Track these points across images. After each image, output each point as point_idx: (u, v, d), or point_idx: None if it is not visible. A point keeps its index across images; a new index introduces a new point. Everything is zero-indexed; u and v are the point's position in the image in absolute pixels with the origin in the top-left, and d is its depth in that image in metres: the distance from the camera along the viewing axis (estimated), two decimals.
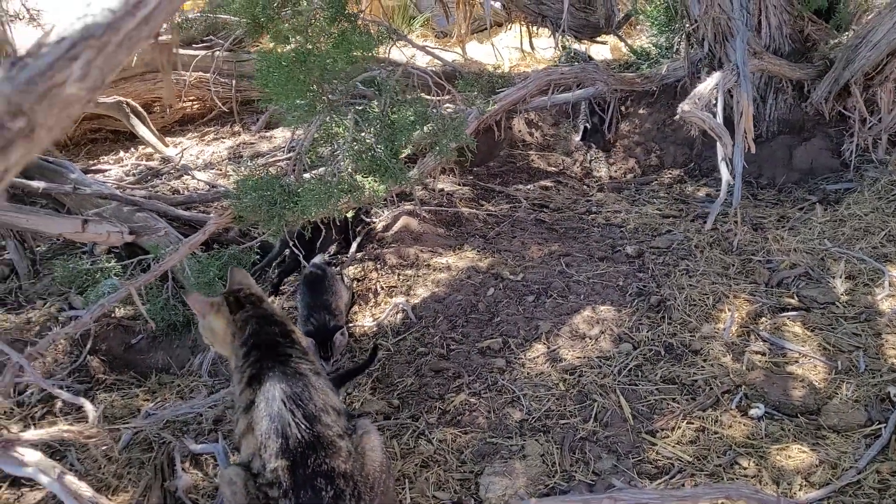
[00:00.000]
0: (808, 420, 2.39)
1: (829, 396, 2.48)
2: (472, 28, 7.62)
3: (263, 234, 3.55)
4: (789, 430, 2.35)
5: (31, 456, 2.40)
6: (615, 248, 3.63)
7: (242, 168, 5.12)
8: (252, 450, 2.04)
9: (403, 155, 3.06)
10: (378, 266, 3.65)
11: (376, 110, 2.99)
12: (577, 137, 5.28)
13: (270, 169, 4.05)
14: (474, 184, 4.79)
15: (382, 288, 3.51)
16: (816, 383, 2.54)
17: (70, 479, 2.39)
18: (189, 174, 5.14)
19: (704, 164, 4.94)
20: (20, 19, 4.16)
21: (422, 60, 6.52)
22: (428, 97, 3.53)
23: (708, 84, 3.11)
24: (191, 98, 6.26)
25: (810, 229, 3.62)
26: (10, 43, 4.10)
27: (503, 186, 4.79)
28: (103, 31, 1.02)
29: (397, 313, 3.31)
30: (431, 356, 2.97)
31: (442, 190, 4.55)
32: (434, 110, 2.91)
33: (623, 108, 5.45)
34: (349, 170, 2.91)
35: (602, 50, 6.95)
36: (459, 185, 4.73)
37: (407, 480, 2.34)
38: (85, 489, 2.41)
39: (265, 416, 2.02)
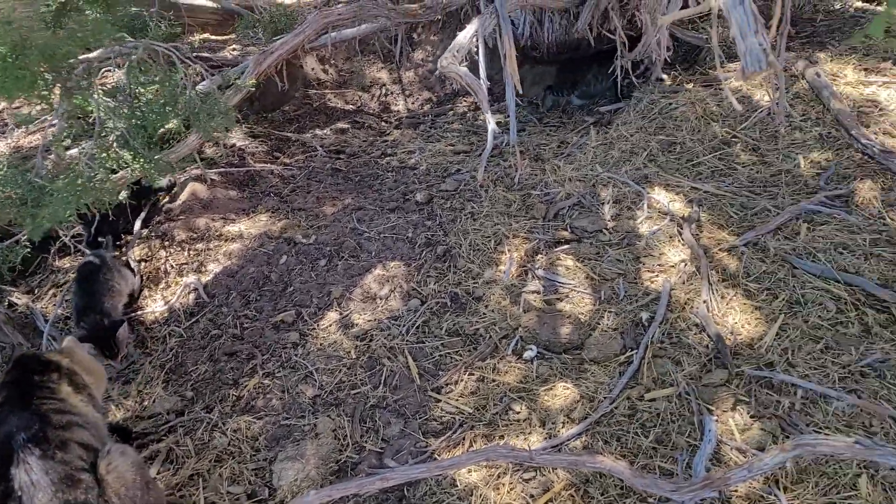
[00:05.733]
0: (573, 356, 2.62)
1: (593, 328, 2.71)
2: None
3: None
4: (557, 368, 2.57)
5: None
6: (406, 195, 3.69)
7: None
8: None
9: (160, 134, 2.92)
10: (166, 243, 3.50)
11: (127, 90, 2.80)
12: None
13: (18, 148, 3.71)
14: (269, 133, 4.64)
15: (172, 267, 3.39)
16: (582, 317, 2.76)
17: None
18: None
19: (497, 88, 5.04)
20: None
21: None
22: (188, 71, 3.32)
23: (467, 32, 3.13)
24: None
25: (585, 154, 3.83)
26: None
27: (299, 133, 4.68)
28: None
29: (189, 293, 3.23)
30: (225, 338, 2.95)
31: (234, 146, 4.38)
32: (186, 89, 2.75)
33: (415, 36, 5.43)
34: (103, 160, 2.73)
35: None
36: (252, 136, 4.57)
37: (201, 479, 2.36)
38: None
39: None
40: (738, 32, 1.37)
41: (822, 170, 3.28)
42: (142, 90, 2.67)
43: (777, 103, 3.00)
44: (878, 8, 4.55)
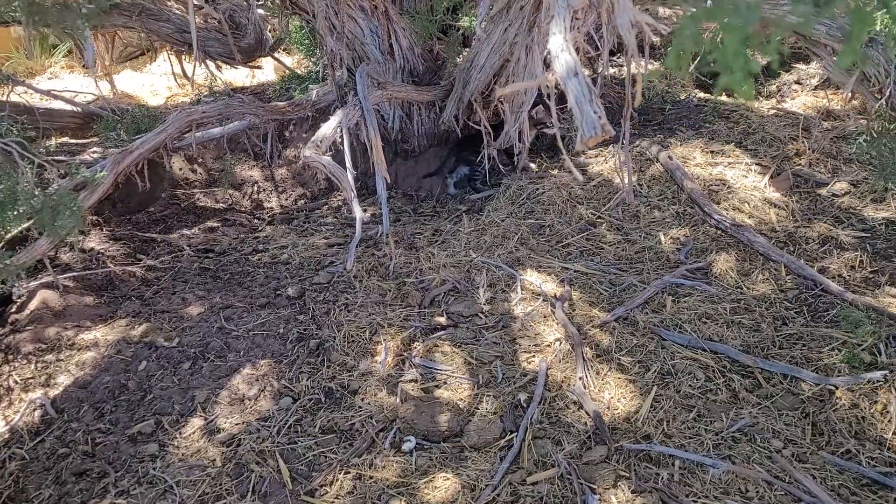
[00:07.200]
0: (453, 444, 2.52)
1: (472, 414, 2.63)
2: (122, 55, 7.06)
3: None
4: (437, 458, 2.46)
5: None
6: (277, 290, 3.55)
7: None
8: None
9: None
10: (10, 356, 3.18)
11: None
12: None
13: None
14: (132, 235, 4.41)
15: (17, 382, 3.07)
16: (461, 403, 2.68)
17: None
18: None
19: (370, 181, 5.05)
20: None
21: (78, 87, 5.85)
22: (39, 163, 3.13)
23: (331, 124, 3.14)
24: None
25: (458, 241, 3.85)
26: None
27: (165, 234, 4.48)
28: None
29: (34, 411, 2.91)
30: (74, 456, 2.65)
31: (91, 249, 4.12)
32: (27, 187, 2.57)
33: (287, 133, 5.41)
34: None
35: (267, 70, 6.84)
36: (113, 238, 4.33)
37: None
38: None
39: None
40: (574, 102, 1.40)
41: (681, 245, 3.43)
42: None
43: (625, 185, 3.13)
44: (723, 98, 4.96)
